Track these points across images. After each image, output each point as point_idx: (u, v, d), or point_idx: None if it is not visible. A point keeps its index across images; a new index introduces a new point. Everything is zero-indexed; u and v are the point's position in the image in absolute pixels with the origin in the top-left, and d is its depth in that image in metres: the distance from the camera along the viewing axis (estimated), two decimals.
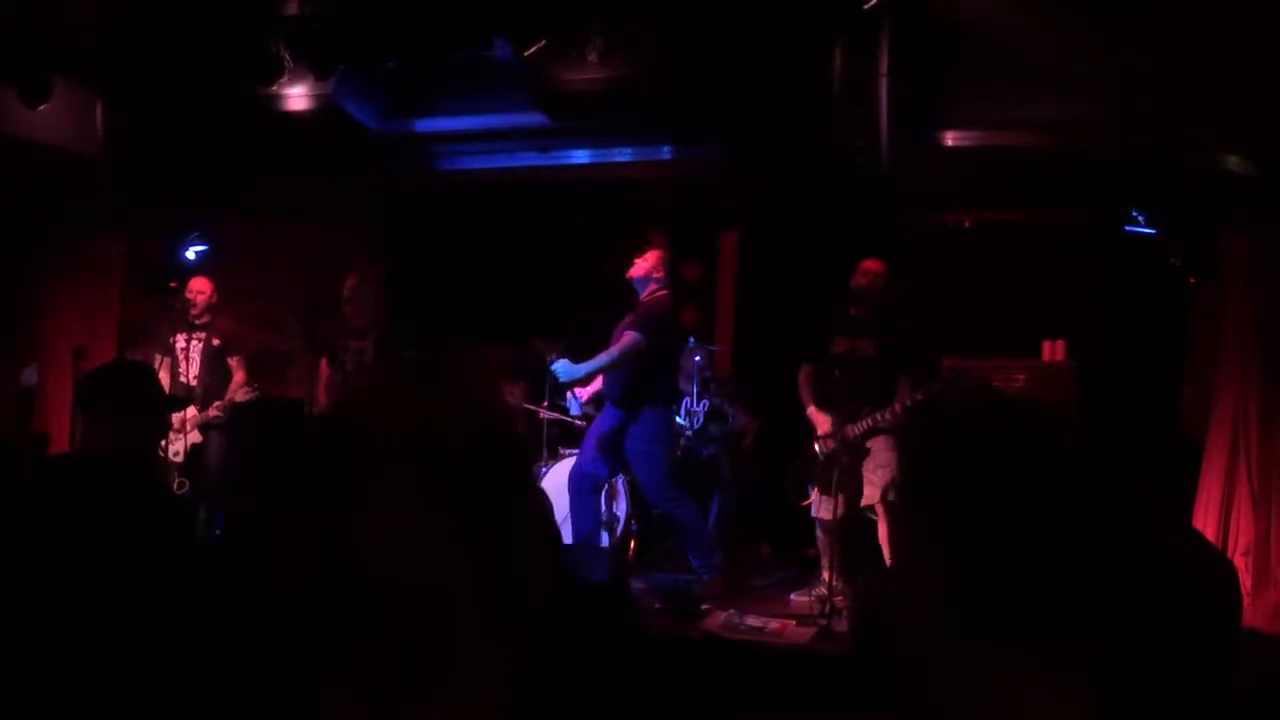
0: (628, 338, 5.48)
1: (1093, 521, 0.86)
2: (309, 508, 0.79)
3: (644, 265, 5.70)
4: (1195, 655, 0.99)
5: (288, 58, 5.80)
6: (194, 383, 6.23)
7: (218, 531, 5.66)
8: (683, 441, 6.50)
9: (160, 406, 2.92)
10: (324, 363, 6.23)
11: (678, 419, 6.50)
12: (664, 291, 5.69)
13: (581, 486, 5.63)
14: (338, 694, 0.78)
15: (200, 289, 6.32)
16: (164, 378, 6.23)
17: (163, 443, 6.12)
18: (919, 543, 0.89)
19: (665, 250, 5.89)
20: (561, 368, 5.59)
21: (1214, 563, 1.23)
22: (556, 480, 6.00)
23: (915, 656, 0.89)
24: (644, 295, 5.68)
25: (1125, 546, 0.87)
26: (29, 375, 6.30)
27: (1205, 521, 5.30)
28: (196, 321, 6.27)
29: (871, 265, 5.48)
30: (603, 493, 5.92)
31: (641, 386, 5.55)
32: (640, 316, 5.58)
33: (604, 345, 5.64)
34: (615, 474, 5.89)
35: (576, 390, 6.06)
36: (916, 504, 0.91)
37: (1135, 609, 0.86)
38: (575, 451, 6.07)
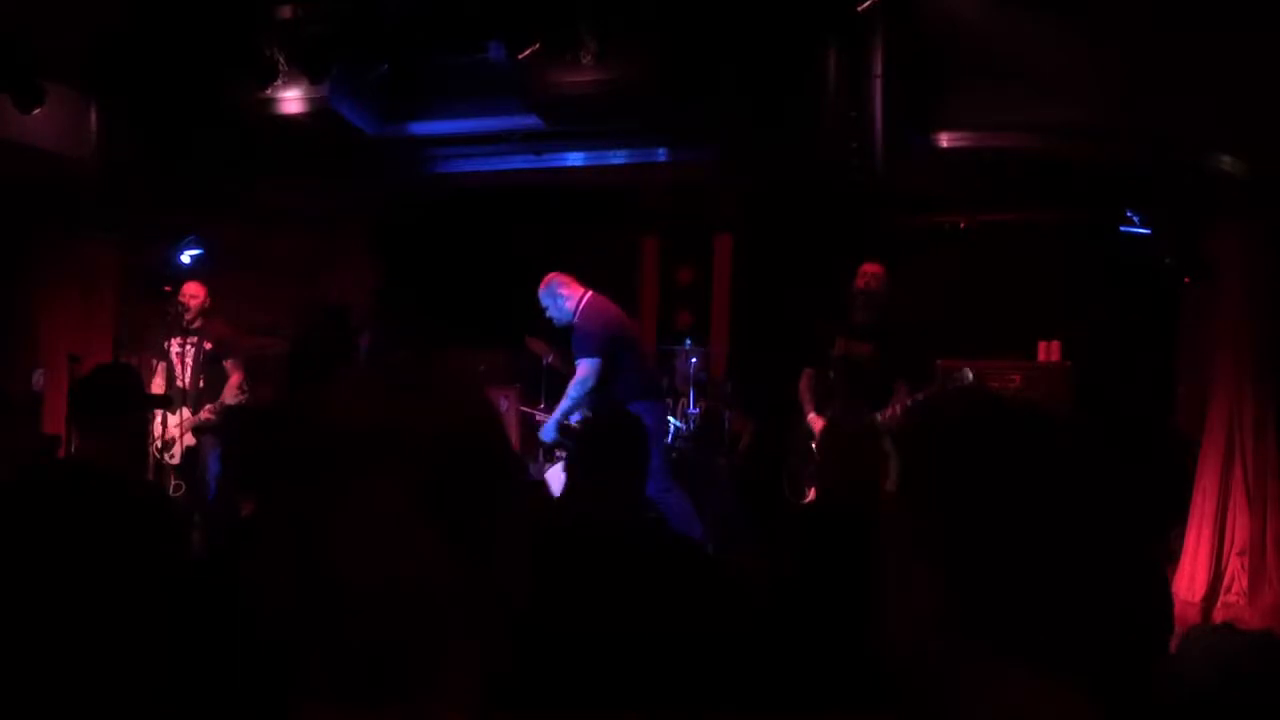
0: (580, 369, 5.41)
1: (1088, 523, 0.86)
2: (289, 509, 0.79)
3: (564, 298, 5.55)
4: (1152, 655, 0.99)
5: (282, 61, 5.79)
6: (188, 387, 6.23)
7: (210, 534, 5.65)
8: (679, 444, 6.50)
9: (142, 406, 2.92)
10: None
11: (673, 421, 6.50)
12: (585, 303, 5.56)
13: None
14: (318, 695, 0.78)
15: (193, 294, 6.32)
16: (159, 382, 6.25)
17: (157, 446, 6.14)
18: (915, 545, 0.89)
19: (554, 272, 5.73)
20: (546, 432, 5.56)
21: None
22: (553, 482, 6.00)
23: (913, 658, 0.89)
24: (576, 319, 5.54)
25: (1119, 549, 0.87)
26: (37, 379, 6.31)
27: (1201, 521, 5.31)
28: (189, 326, 6.26)
29: (871, 268, 5.48)
30: None
31: (617, 391, 5.49)
32: (577, 339, 5.49)
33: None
34: None
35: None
36: (913, 506, 0.91)
37: (1128, 611, 0.86)
38: None
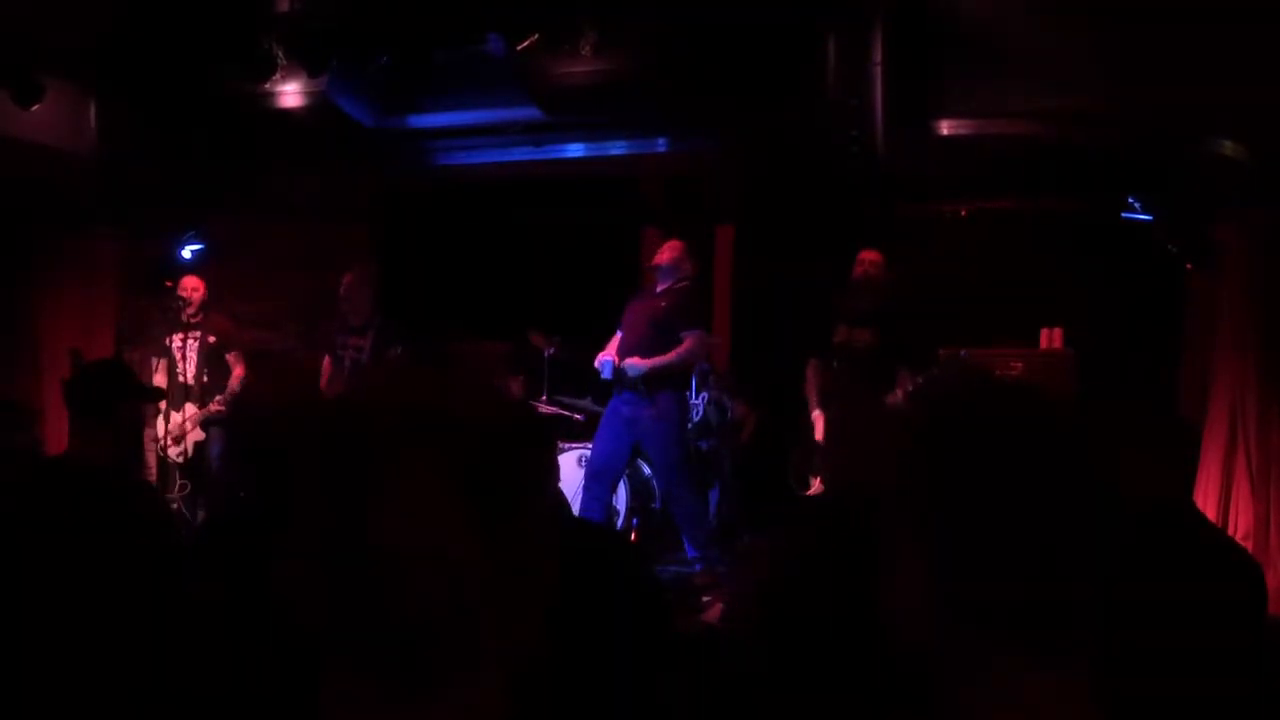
0: (696, 337, 5.42)
1: (1091, 507, 0.85)
2: (323, 497, 0.78)
3: (670, 254, 5.56)
4: (1208, 639, 0.99)
5: (280, 55, 5.78)
6: (192, 382, 6.23)
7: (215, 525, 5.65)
8: None
9: (133, 400, 2.91)
10: (326, 360, 6.25)
11: None
12: (686, 281, 5.59)
13: (601, 478, 5.55)
14: (345, 686, 0.78)
15: (193, 287, 6.31)
16: (161, 378, 6.24)
17: (162, 445, 6.14)
18: (913, 532, 0.88)
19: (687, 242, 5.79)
20: (630, 367, 5.41)
21: (1230, 553, 1.22)
22: (563, 466, 5.96)
23: (911, 647, 0.88)
24: (672, 284, 5.54)
25: (1124, 533, 0.87)
26: None
27: (1204, 506, 5.31)
28: (190, 320, 6.25)
29: (869, 256, 5.47)
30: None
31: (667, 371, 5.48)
32: (687, 309, 5.49)
33: (603, 336, 5.62)
34: (629, 464, 5.84)
35: (605, 356, 5.85)
36: (910, 492, 0.90)
37: (1134, 595, 0.86)
38: (575, 445, 6.06)
